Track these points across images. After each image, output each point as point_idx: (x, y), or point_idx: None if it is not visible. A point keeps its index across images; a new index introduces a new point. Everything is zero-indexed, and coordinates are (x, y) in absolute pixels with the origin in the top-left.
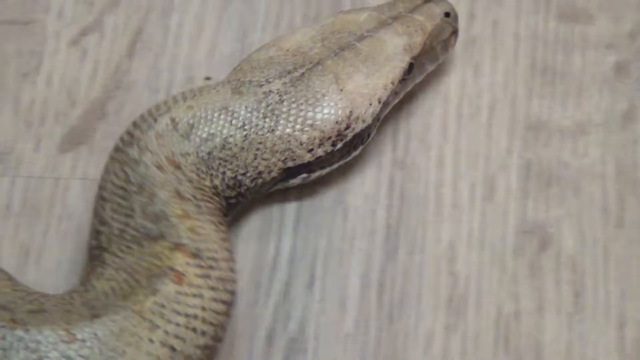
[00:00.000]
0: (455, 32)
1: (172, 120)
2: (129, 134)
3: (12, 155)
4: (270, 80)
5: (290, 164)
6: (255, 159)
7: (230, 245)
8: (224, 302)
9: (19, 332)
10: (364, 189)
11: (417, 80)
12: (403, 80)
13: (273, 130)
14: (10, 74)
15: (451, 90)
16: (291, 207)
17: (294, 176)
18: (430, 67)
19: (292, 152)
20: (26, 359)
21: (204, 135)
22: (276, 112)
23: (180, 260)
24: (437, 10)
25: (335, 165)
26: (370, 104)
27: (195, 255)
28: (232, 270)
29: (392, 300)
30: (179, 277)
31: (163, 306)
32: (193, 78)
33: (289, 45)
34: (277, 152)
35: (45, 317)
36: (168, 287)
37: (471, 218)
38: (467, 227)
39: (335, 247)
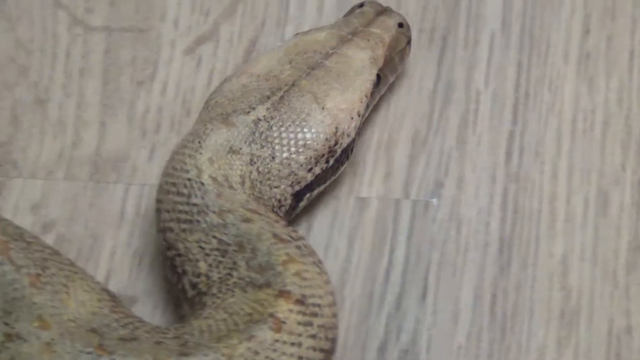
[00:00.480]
0: (409, 42)
1: (213, 179)
2: (189, 204)
3: (127, 163)
4: (254, 107)
5: (297, 187)
6: (270, 189)
7: (332, 288)
8: (323, 350)
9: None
10: (478, 201)
11: (382, 92)
12: (373, 92)
13: (273, 157)
14: (126, 81)
15: (565, 105)
16: (404, 220)
17: (301, 199)
18: (391, 78)
19: (296, 175)
20: None
21: (239, 179)
22: (269, 139)
23: (283, 307)
24: (391, 22)
25: (328, 183)
26: (352, 118)
27: (300, 302)
28: (334, 316)
29: (504, 313)
30: (279, 325)
31: (257, 353)
32: None
33: (258, 70)
34: (283, 178)
35: (134, 346)
36: (265, 334)
37: (584, 233)
38: (580, 241)
39: (448, 260)
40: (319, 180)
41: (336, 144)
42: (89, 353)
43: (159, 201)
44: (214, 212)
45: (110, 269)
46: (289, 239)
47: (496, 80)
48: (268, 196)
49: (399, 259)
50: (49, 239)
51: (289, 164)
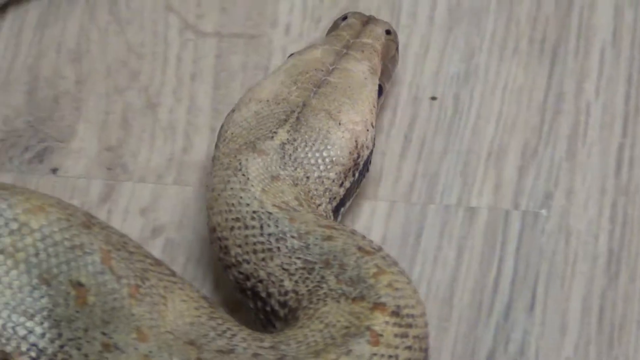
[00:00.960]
0: (397, 48)
1: (277, 207)
2: (264, 235)
3: None
4: (275, 131)
5: (334, 203)
6: (316, 207)
7: (420, 297)
8: None
9: None
10: (587, 213)
11: (382, 102)
12: (377, 101)
13: (307, 177)
14: (236, 87)
15: None
16: (514, 230)
17: (338, 215)
18: (387, 86)
19: (330, 190)
20: None
21: (295, 202)
22: (298, 160)
23: (379, 320)
24: (379, 30)
25: (354, 196)
26: (367, 130)
27: (396, 313)
28: (426, 325)
29: (612, 325)
30: (376, 338)
31: None
32: (418, 98)
33: (265, 96)
34: (321, 196)
35: (231, 359)
36: (363, 349)
37: None
38: None
39: (557, 271)
40: (348, 194)
41: (359, 157)
42: None
43: (222, 238)
44: (293, 237)
45: (219, 275)
46: (373, 250)
47: (606, 92)
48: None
49: (507, 269)
50: (158, 243)
51: (322, 182)
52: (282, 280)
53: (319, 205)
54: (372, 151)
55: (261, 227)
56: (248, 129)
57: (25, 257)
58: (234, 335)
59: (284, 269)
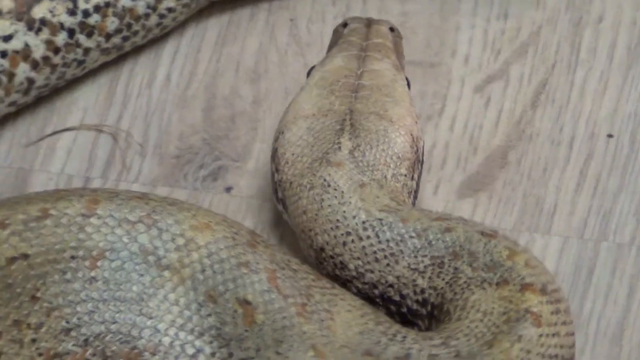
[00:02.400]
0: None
1: (383, 211)
2: (381, 242)
3: None
4: (339, 142)
5: (412, 198)
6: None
7: None
8: (572, 334)
9: None
10: None
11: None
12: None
13: (386, 177)
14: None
15: None
16: None
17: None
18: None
19: (407, 185)
20: None
21: (394, 203)
22: (371, 163)
23: (534, 301)
24: (384, 29)
25: (418, 189)
26: (415, 122)
27: (543, 291)
28: (567, 299)
29: None
30: (537, 319)
31: (529, 352)
32: (595, 134)
33: (309, 111)
34: (402, 192)
35: None
36: (530, 332)
37: None
38: None
39: None
40: (418, 187)
41: (417, 149)
42: None
43: (336, 255)
44: (412, 237)
45: None
46: (494, 232)
47: None
48: None
49: None
50: None
51: (398, 179)
52: (414, 280)
53: (403, 201)
54: (423, 142)
55: (377, 235)
56: (309, 146)
57: (192, 274)
58: (404, 337)
59: (412, 269)
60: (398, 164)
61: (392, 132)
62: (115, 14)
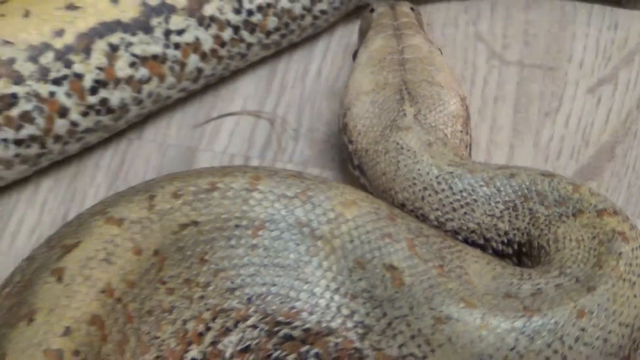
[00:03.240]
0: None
1: (452, 165)
2: (455, 193)
3: None
4: (402, 109)
5: (468, 150)
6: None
7: None
8: None
9: (536, 319)
10: None
11: None
12: None
13: (446, 134)
14: (534, 111)
15: None
16: None
17: None
18: None
19: (463, 140)
20: (548, 341)
21: (458, 158)
22: (432, 124)
23: (614, 222)
24: (406, 9)
25: (472, 144)
26: (459, 84)
27: (616, 212)
28: None
29: None
30: (625, 237)
31: (630, 265)
32: None
33: (369, 87)
34: (460, 147)
35: (548, 298)
36: (625, 248)
37: None
38: None
39: None
40: (470, 141)
41: (466, 108)
42: (522, 317)
43: (417, 209)
44: (482, 186)
45: None
46: (551, 172)
47: None
48: None
49: None
50: None
51: (456, 135)
52: (495, 225)
53: (463, 155)
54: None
55: (450, 187)
56: (376, 117)
57: (341, 244)
58: (530, 275)
59: (489, 215)
60: (454, 122)
61: (444, 95)
62: (275, 14)
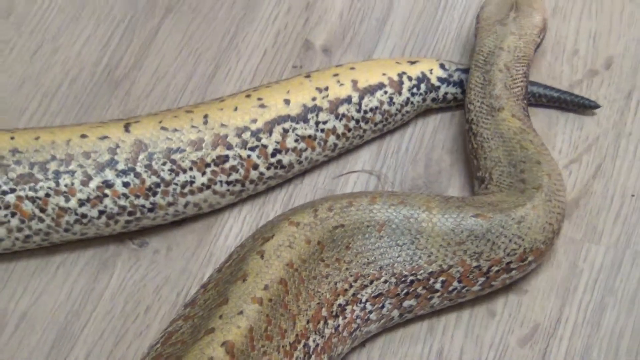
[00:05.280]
0: None
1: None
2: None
3: None
4: (508, 14)
5: (535, 50)
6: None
7: None
8: None
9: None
10: None
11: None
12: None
13: (527, 38)
14: None
15: None
16: None
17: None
18: None
19: (535, 42)
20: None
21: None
22: (522, 26)
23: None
24: None
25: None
26: (546, 10)
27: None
28: None
29: None
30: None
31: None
32: None
33: (487, 15)
34: (532, 51)
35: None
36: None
37: None
38: None
39: None
40: (536, 49)
41: (544, 27)
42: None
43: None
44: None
45: None
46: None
47: None
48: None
49: None
50: None
51: (534, 40)
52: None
53: (531, 57)
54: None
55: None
56: (495, 15)
57: (438, 220)
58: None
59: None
60: (535, 30)
61: (536, 14)
62: (380, 113)
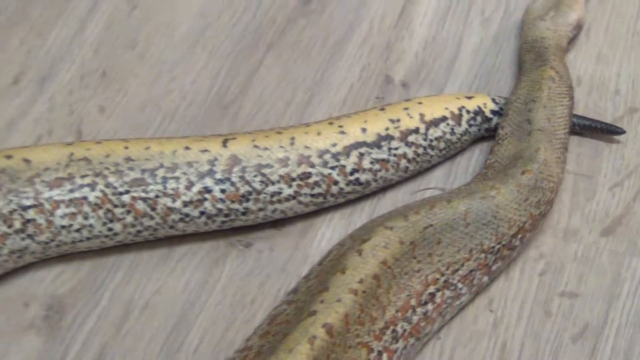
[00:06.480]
0: None
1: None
2: None
3: None
4: (549, 10)
5: (568, 44)
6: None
7: None
8: None
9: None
10: None
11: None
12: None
13: (562, 32)
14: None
15: None
16: None
17: None
18: None
19: (568, 37)
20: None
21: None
22: (557, 24)
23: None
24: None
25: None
26: (582, 12)
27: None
28: None
29: None
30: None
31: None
32: None
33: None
34: (565, 43)
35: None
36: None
37: None
38: None
39: None
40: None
41: (578, 26)
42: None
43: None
44: None
45: None
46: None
47: None
48: None
49: None
50: None
51: (567, 35)
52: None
53: (565, 48)
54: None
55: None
56: (539, 10)
57: (507, 196)
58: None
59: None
60: (569, 28)
61: (571, 11)
62: (443, 141)
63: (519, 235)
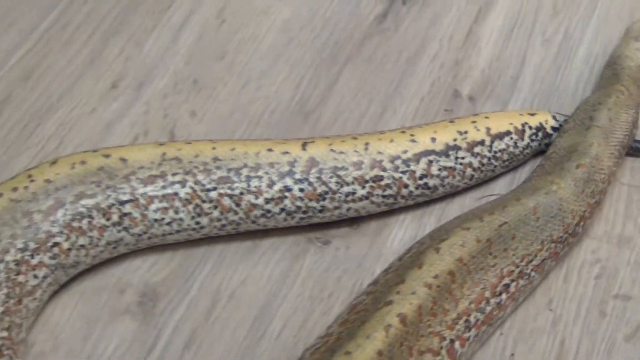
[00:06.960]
0: None
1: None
2: None
3: None
4: (638, 39)
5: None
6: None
7: None
8: None
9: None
10: None
11: None
12: None
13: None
14: None
15: None
16: None
17: None
18: None
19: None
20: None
21: None
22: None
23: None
24: None
25: None
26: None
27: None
28: None
29: None
30: None
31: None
32: None
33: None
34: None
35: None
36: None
37: None
38: None
39: None
40: None
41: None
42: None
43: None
44: None
45: None
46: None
47: None
48: None
49: None
50: None
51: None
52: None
53: (630, 93)
54: None
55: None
56: (637, 31)
57: (568, 189)
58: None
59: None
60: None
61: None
62: (506, 153)
63: (581, 223)
